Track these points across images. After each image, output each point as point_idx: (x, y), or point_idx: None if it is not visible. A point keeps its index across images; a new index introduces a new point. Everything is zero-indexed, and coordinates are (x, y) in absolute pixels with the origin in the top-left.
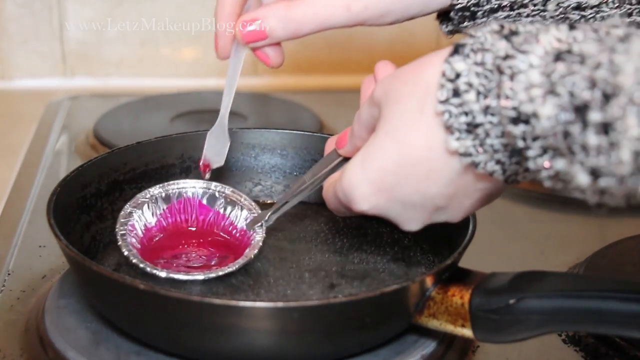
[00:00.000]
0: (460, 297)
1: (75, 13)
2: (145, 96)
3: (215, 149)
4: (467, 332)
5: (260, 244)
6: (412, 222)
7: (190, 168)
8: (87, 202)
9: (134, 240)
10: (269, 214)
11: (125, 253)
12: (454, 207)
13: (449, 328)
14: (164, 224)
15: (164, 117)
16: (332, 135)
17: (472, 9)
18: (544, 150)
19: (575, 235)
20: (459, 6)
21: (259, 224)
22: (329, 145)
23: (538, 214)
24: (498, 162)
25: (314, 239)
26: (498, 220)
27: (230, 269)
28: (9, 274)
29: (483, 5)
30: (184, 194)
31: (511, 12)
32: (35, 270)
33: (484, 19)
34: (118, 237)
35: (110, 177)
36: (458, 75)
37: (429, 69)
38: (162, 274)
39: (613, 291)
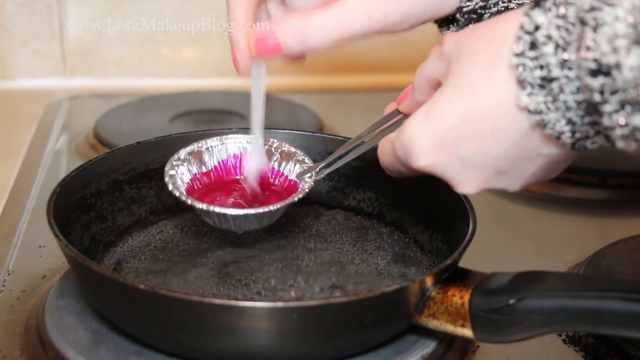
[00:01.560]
0: (460, 297)
1: (75, 13)
2: (145, 96)
3: (255, 168)
4: (467, 332)
5: (307, 191)
6: (469, 184)
7: None
8: (87, 202)
9: (180, 182)
10: (321, 166)
11: (170, 187)
12: (514, 173)
13: (449, 328)
14: (216, 175)
15: (164, 117)
16: (332, 135)
17: (480, 11)
18: (622, 106)
19: (575, 235)
20: (466, 9)
21: (309, 174)
22: (390, 107)
23: (538, 214)
24: (569, 121)
25: (314, 238)
26: (498, 220)
27: (271, 208)
28: (9, 274)
29: (490, 8)
30: (241, 148)
31: None
32: (35, 270)
33: None
34: (166, 176)
35: (110, 177)
36: (537, 28)
37: (506, 23)
38: (202, 206)
39: (613, 291)
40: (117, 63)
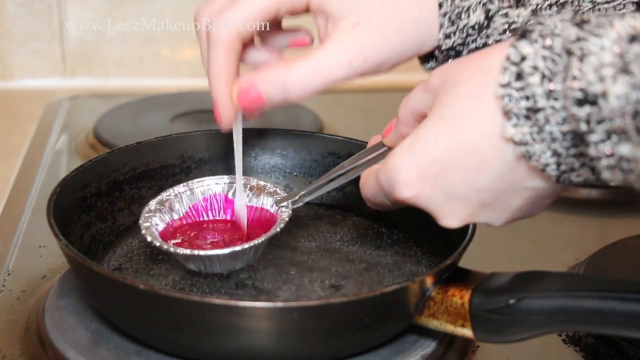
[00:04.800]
0: (460, 297)
1: (75, 13)
2: (145, 96)
3: (241, 210)
4: (467, 332)
5: (287, 219)
6: (453, 217)
7: (190, 168)
8: (87, 202)
9: (156, 233)
10: (301, 194)
11: (149, 239)
12: (499, 206)
13: (449, 328)
14: (189, 220)
15: (164, 117)
16: (332, 135)
17: (458, 48)
18: (608, 135)
19: (575, 235)
20: (445, 47)
21: (286, 203)
22: (374, 139)
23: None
24: (554, 153)
25: (315, 239)
26: None
27: (256, 242)
28: (9, 274)
29: (469, 45)
30: (209, 191)
31: None
32: (35, 270)
33: None
34: (142, 229)
35: (110, 177)
36: (523, 59)
37: (492, 55)
38: (186, 251)
39: (613, 291)
40: (117, 63)
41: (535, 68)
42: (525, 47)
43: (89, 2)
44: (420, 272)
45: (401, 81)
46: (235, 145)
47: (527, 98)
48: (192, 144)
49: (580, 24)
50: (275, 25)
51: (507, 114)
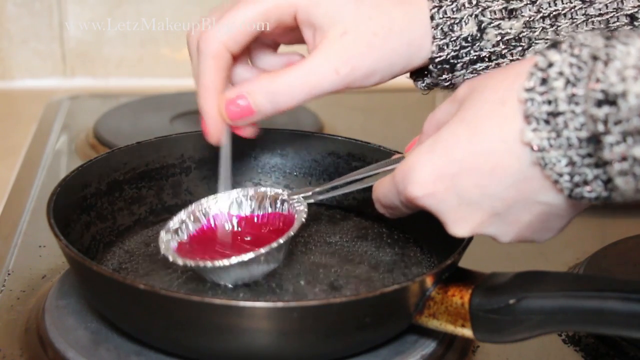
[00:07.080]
0: (460, 297)
1: (75, 13)
2: (145, 96)
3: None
4: (467, 332)
5: (306, 210)
6: (462, 224)
7: (190, 168)
8: (87, 202)
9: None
10: (315, 190)
11: (180, 262)
12: (509, 218)
13: (449, 328)
14: (199, 239)
15: (164, 117)
16: (332, 135)
17: (452, 61)
18: (624, 137)
19: (575, 235)
20: (438, 59)
21: (297, 197)
22: (397, 156)
23: None
24: (569, 162)
25: (314, 238)
26: None
27: (288, 235)
28: (9, 274)
29: (462, 58)
30: (211, 212)
31: (490, 63)
32: (35, 270)
33: (463, 71)
34: (170, 257)
35: (110, 177)
36: (550, 65)
37: (522, 65)
38: (224, 262)
39: (613, 291)
40: (117, 63)
41: (561, 74)
42: (554, 55)
43: (89, 2)
44: (420, 272)
45: (401, 82)
46: (221, 160)
47: (549, 102)
48: (192, 144)
49: (609, 37)
50: (268, 47)
51: (527, 118)
